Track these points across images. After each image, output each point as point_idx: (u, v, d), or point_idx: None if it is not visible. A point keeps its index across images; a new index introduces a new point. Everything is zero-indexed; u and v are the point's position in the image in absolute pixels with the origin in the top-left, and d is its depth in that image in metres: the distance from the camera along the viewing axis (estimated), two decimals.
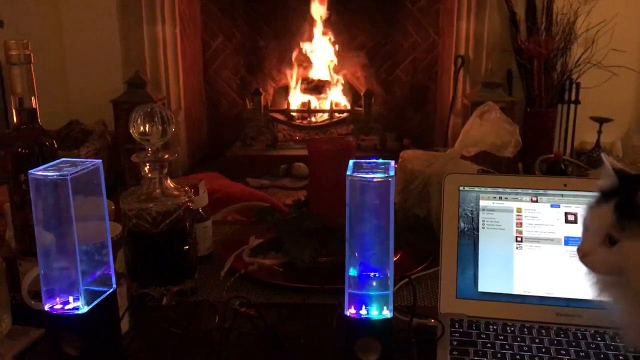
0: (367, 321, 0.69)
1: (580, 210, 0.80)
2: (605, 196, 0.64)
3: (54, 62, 3.23)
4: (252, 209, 1.41)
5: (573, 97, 3.26)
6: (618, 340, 0.75)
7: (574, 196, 0.83)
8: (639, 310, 0.62)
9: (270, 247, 1.06)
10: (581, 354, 0.74)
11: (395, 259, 0.71)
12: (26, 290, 0.79)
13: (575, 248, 0.80)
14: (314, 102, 3.81)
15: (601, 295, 0.66)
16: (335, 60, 3.86)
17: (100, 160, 0.70)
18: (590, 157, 3.27)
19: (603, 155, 0.68)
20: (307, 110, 3.78)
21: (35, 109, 0.86)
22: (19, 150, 0.85)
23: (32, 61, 0.84)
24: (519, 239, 0.84)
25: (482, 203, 0.85)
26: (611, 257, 0.62)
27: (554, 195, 0.84)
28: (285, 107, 3.84)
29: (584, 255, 0.65)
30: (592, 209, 0.65)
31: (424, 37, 3.84)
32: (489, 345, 0.75)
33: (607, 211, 0.62)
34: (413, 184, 1.15)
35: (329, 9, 3.77)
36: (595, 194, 0.66)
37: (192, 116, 3.71)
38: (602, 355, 0.73)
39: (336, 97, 3.82)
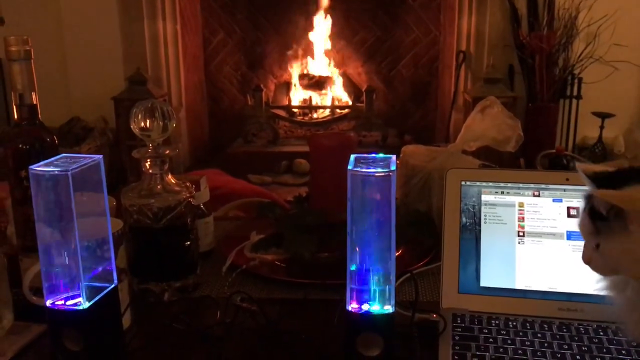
0: (368, 316, 0.69)
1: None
2: (586, 202, 0.65)
3: (55, 59, 3.23)
4: (253, 204, 1.41)
5: (575, 92, 3.25)
6: (620, 335, 0.75)
7: (576, 190, 0.83)
8: None
9: (271, 243, 1.06)
10: (583, 348, 0.74)
11: (397, 254, 0.71)
12: (27, 286, 0.79)
13: (577, 242, 0.81)
14: (315, 98, 3.81)
15: (607, 292, 0.67)
16: (337, 56, 3.85)
17: (101, 156, 0.70)
18: (592, 153, 3.26)
19: (577, 164, 0.69)
20: (308, 107, 3.78)
21: (36, 105, 0.85)
22: (20, 146, 0.85)
23: (33, 57, 0.84)
24: (521, 233, 0.84)
25: (484, 198, 0.85)
26: (601, 261, 0.63)
27: (556, 189, 0.84)
28: (287, 103, 3.83)
29: (587, 262, 0.66)
30: (579, 218, 0.66)
31: (425, 33, 3.83)
32: (491, 340, 0.75)
33: (586, 217, 0.64)
34: (414, 179, 1.14)
35: (329, 4, 3.77)
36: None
37: (193, 113, 3.71)
38: (604, 350, 0.73)
39: (337, 93, 3.82)
